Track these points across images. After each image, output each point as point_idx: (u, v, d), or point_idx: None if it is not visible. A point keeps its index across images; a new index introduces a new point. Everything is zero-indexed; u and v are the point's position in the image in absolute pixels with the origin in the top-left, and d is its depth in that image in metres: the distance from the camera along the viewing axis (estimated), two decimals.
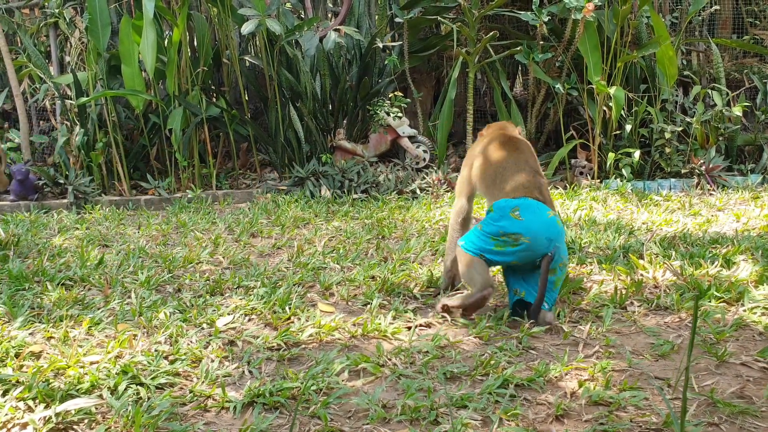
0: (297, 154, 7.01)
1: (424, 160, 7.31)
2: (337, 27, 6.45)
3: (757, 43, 7.26)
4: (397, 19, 7.30)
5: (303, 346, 2.81)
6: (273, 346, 2.78)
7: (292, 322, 3.06)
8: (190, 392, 2.38)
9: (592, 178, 6.73)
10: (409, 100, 7.40)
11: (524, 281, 3.06)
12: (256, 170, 7.37)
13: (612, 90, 6.45)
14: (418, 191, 6.67)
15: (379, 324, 2.94)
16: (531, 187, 3.05)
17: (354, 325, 3.00)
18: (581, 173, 6.83)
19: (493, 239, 2.98)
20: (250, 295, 3.45)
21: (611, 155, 6.56)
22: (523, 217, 2.93)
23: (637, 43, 7.07)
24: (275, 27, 6.19)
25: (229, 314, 3.16)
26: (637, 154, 6.60)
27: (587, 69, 6.70)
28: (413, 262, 4.05)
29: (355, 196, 6.53)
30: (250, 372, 2.56)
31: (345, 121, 7.32)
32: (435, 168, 7.07)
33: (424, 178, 6.85)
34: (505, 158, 3.18)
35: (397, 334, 2.88)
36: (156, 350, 2.70)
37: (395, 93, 7.13)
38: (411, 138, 7.32)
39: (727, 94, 6.91)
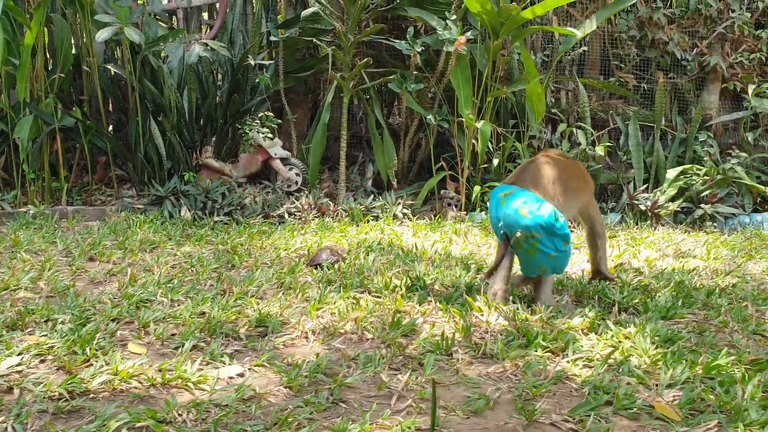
0: (158, 171, 6.64)
1: (297, 183, 7.10)
2: (205, 41, 6.17)
3: (622, 85, 7.52)
4: (273, 38, 7.09)
5: (92, 395, 2.53)
6: (55, 396, 2.48)
7: (91, 365, 2.77)
8: None
9: (460, 209, 6.73)
10: (279, 121, 7.19)
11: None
12: (114, 186, 6.93)
13: (479, 124, 6.48)
14: (286, 215, 6.45)
15: (185, 371, 2.70)
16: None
17: (159, 370, 2.74)
18: (449, 204, 6.82)
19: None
20: (55, 331, 3.12)
21: (477, 188, 6.58)
22: (491, 201, 3.68)
23: (509, 78, 7.17)
24: (134, 36, 5.85)
25: (19, 354, 2.82)
26: None
27: (458, 101, 6.72)
28: (252, 297, 3.82)
29: (217, 218, 6.24)
30: (13, 429, 2.25)
31: (213, 139, 7.02)
32: (306, 192, 6.88)
33: (294, 202, 6.64)
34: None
35: (201, 383, 2.64)
36: None
37: (266, 113, 6.90)
38: (284, 160, 7.10)
39: (592, 133, 7.10)
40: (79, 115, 6.53)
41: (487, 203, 6.57)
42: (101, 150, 6.91)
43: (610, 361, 2.90)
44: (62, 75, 6.59)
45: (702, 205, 6.56)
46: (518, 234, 3.44)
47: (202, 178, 6.72)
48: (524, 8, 6.30)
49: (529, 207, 3.45)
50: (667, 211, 6.56)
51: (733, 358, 2.87)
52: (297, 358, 2.91)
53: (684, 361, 2.82)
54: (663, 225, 6.52)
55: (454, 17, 6.64)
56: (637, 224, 6.42)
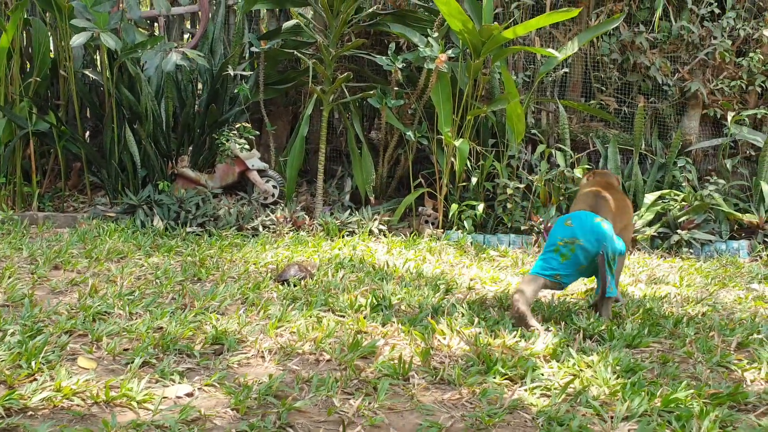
0: (132, 179, 6.56)
1: (273, 195, 7.03)
2: (182, 50, 6.11)
3: (603, 108, 7.52)
4: (254, 49, 7.05)
5: (30, 413, 2.44)
6: None
7: (35, 380, 2.68)
8: None
9: (437, 227, 6.68)
10: (258, 132, 7.13)
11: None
12: (87, 193, 6.83)
13: (458, 143, 6.45)
14: (260, 228, 6.38)
15: (130, 389, 2.61)
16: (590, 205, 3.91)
17: (105, 387, 2.65)
18: (426, 221, 6.78)
19: (555, 252, 3.75)
20: (2, 342, 3.03)
21: (454, 206, 6.54)
22: (574, 224, 3.73)
23: (490, 97, 7.16)
24: (110, 42, 5.78)
25: None
26: (480, 207, 6.62)
27: (438, 119, 6.69)
28: (212, 312, 3.74)
29: (189, 229, 6.15)
30: None
31: (190, 149, 6.95)
32: (283, 205, 6.81)
33: (269, 215, 6.57)
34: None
35: (146, 402, 2.56)
36: None
37: (243, 124, 6.84)
38: (261, 172, 7.03)
39: (571, 155, 7.09)
40: (54, 120, 6.44)
41: (464, 222, 6.55)
42: (76, 156, 6.82)
43: (569, 390, 2.84)
44: (38, 79, 6.51)
45: (679, 231, 6.55)
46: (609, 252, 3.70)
47: (177, 188, 6.64)
48: (506, 28, 6.30)
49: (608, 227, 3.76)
50: (643, 236, 6.54)
51: (692, 391, 2.82)
52: (249, 379, 2.84)
53: (643, 393, 2.77)
54: (639, 250, 6.50)
55: (436, 35, 6.62)
56: None
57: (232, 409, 2.56)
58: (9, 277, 4.22)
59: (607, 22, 6.90)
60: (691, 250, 6.53)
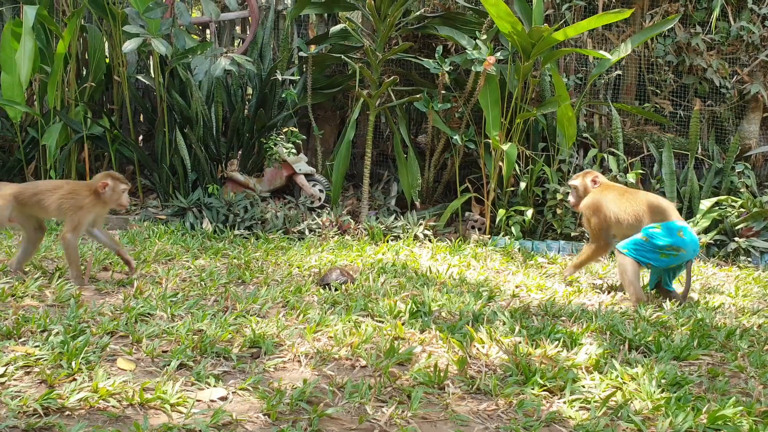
0: (182, 183, 6.67)
1: (320, 199, 7.06)
2: (231, 55, 6.18)
3: (658, 111, 7.31)
4: (302, 53, 7.09)
5: (68, 412, 2.48)
6: (30, 411, 2.44)
7: (74, 380, 2.73)
8: None
9: (484, 233, 6.59)
10: (304, 136, 7.17)
11: (667, 275, 4.69)
12: (139, 196, 6.98)
13: (506, 146, 6.35)
14: (306, 232, 6.40)
15: (165, 391, 2.63)
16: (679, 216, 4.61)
17: (141, 390, 2.68)
18: (473, 227, 6.69)
19: (660, 251, 4.39)
20: (47, 342, 3.09)
21: (501, 211, 6.44)
22: (685, 236, 4.40)
23: (540, 100, 7.03)
24: (160, 47, 5.89)
25: (5, 365, 2.80)
26: (530, 212, 6.50)
27: (486, 122, 6.60)
28: (252, 315, 3.76)
29: (237, 232, 6.22)
30: None
31: (239, 153, 7.03)
32: (329, 209, 6.83)
33: (315, 218, 6.59)
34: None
35: (180, 406, 2.58)
36: None
37: (291, 128, 6.88)
38: (308, 176, 7.07)
39: (624, 159, 6.90)
40: (108, 124, 6.60)
41: (512, 227, 6.44)
42: (128, 159, 6.98)
43: (611, 403, 2.75)
44: (93, 84, 6.69)
45: (736, 239, 6.31)
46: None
47: (226, 191, 6.73)
48: (556, 30, 6.18)
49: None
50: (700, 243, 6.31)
51: (742, 408, 2.69)
52: (284, 383, 2.83)
53: (688, 408, 2.65)
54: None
55: (484, 37, 6.54)
56: None
57: (264, 414, 2.56)
58: (59, 278, 4.32)
59: (661, 23, 6.70)
60: (749, 259, 6.27)
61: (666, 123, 7.28)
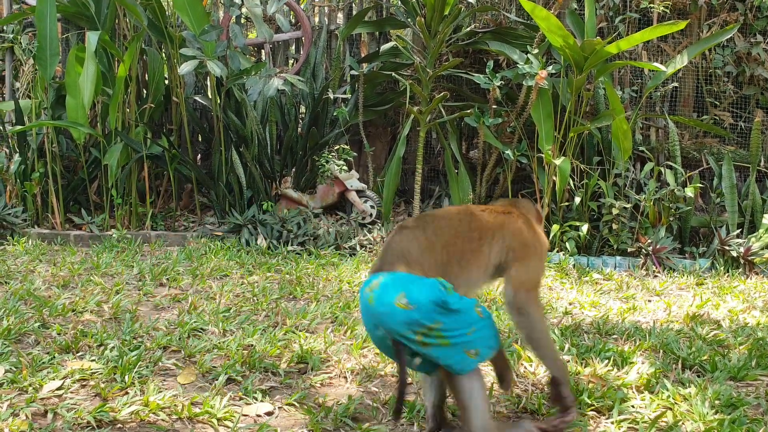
0: (238, 200, 6.81)
1: (371, 216, 7.10)
2: (284, 75, 6.31)
3: (717, 123, 7.11)
4: (353, 72, 7.18)
5: (119, 425, 2.56)
6: (83, 423, 2.53)
7: (126, 393, 2.81)
8: None
9: None
10: (355, 153, 7.24)
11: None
12: (197, 213, 7.16)
13: (558, 161, 6.27)
14: (357, 247, 6.45)
15: (212, 406, 2.69)
16: None
17: (189, 404, 2.74)
18: None
19: None
20: (102, 356, 3.20)
21: (555, 227, 6.35)
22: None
23: (594, 114, 6.93)
24: (216, 69, 6.05)
25: (63, 378, 2.91)
26: (585, 227, 6.39)
27: (539, 137, 6.54)
28: (302, 331, 3.81)
29: (290, 248, 6.31)
30: None
31: (293, 170, 7.15)
32: (380, 225, 6.87)
33: (366, 234, 6.63)
34: None
35: (226, 420, 2.63)
36: None
37: (342, 146, 6.97)
38: (359, 192, 7.13)
39: (682, 173, 6.73)
40: (166, 144, 6.80)
41: (566, 243, 6.35)
42: (187, 178, 7.17)
43: (660, 424, 2.68)
44: (153, 105, 6.91)
45: None
46: None
47: (281, 208, 6.85)
48: (609, 43, 6.09)
49: None
50: (761, 259, 6.10)
51: None
52: (329, 399, 2.86)
53: (743, 431, 2.56)
54: (757, 274, 6.06)
55: (536, 51, 6.50)
56: (727, 272, 6.00)
57: (309, 430, 2.58)
58: (117, 293, 4.46)
59: (719, 33, 6.53)
60: None
61: (726, 135, 7.07)
